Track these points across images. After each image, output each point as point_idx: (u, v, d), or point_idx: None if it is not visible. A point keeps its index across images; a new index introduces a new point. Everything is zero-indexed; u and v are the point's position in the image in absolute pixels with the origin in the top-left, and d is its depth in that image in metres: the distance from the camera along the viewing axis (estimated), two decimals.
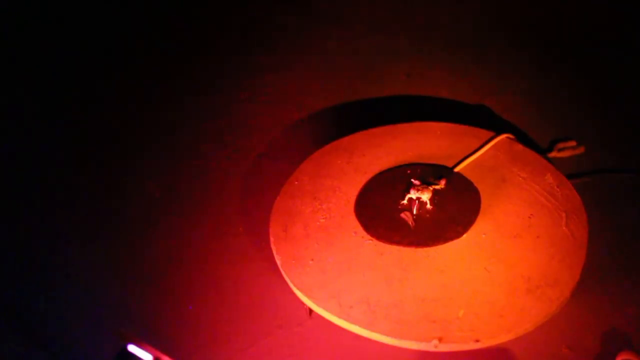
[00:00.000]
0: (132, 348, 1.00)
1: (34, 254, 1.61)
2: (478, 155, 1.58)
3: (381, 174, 1.55)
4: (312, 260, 1.36)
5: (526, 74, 2.09)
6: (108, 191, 1.79)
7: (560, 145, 1.75)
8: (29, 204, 1.76)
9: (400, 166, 1.56)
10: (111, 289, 1.49)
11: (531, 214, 1.41)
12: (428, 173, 1.51)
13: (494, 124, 1.79)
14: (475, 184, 1.49)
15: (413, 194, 1.43)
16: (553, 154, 1.73)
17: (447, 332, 1.19)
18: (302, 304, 1.33)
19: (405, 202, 1.44)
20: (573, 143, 1.75)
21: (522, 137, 1.75)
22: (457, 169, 1.54)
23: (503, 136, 1.63)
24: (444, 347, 1.18)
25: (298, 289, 1.31)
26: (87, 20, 2.57)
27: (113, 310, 1.44)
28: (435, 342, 1.18)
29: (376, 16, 2.48)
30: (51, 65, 2.34)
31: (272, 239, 1.43)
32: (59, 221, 1.70)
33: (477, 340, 1.18)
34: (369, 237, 1.40)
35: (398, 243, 1.37)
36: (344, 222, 1.44)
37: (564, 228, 1.37)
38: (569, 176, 1.53)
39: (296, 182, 1.56)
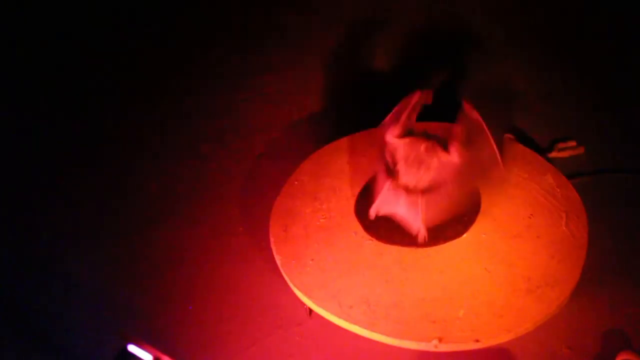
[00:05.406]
0: (132, 348, 1.00)
1: (34, 255, 1.61)
2: None
3: None
4: (312, 260, 1.36)
5: (526, 74, 2.09)
6: (108, 191, 1.79)
7: (560, 145, 1.75)
8: (29, 204, 1.76)
9: None
10: (111, 289, 1.49)
11: (531, 214, 1.41)
12: None
13: (494, 124, 1.79)
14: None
15: None
16: (553, 154, 1.73)
17: (447, 332, 1.19)
18: (302, 304, 1.33)
19: None
20: (573, 143, 1.75)
21: (522, 137, 1.75)
22: None
23: (503, 136, 1.63)
24: (444, 347, 1.18)
25: (298, 289, 1.31)
26: (87, 20, 2.57)
27: (113, 310, 1.44)
28: (435, 342, 1.18)
29: (376, 16, 2.48)
30: (51, 64, 2.34)
31: (272, 239, 1.43)
32: (60, 221, 1.70)
33: (477, 340, 1.18)
34: (369, 237, 1.40)
35: (398, 243, 1.37)
36: (344, 222, 1.44)
37: (564, 228, 1.37)
38: (569, 176, 1.53)
39: (296, 182, 1.56)
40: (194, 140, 1.93)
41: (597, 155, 1.73)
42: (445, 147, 1.29)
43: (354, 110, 2.00)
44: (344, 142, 1.67)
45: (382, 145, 1.34)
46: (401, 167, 1.31)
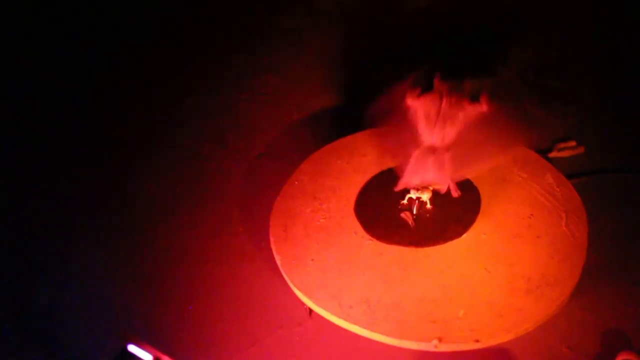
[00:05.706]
0: (132, 348, 1.00)
1: (34, 254, 1.61)
2: None
3: (381, 174, 1.55)
4: (312, 260, 1.36)
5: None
6: (108, 191, 1.79)
7: (560, 145, 1.75)
8: (29, 204, 1.76)
9: None
10: (111, 289, 1.49)
11: (531, 214, 1.41)
12: None
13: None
14: (475, 184, 1.49)
15: (413, 194, 1.43)
16: (553, 154, 1.73)
17: (447, 332, 1.19)
18: (302, 304, 1.33)
19: (405, 202, 1.44)
20: (573, 143, 1.75)
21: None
22: None
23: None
24: (444, 347, 1.18)
25: (298, 289, 1.31)
26: (87, 20, 2.57)
27: (113, 310, 1.44)
28: (435, 342, 1.18)
29: (376, 17, 2.48)
30: (51, 64, 2.34)
31: (272, 239, 1.43)
32: (59, 221, 1.70)
33: (477, 340, 1.18)
34: (369, 237, 1.40)
35: (398, 243, 1.37)
36: (344, 222, 1.44)
37: (564, 228, 1.37)
38: (569, 176, 1.53)
39: (296, 182, 1.56)
40: (194, 140, 1.93)
41: (597, 155, 1.73)
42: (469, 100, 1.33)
43: (354, 110, 2.00)
44: (344, 142, 1.67)
45: (404, 115, 1.37)
46: (424, 127, 1.35)
